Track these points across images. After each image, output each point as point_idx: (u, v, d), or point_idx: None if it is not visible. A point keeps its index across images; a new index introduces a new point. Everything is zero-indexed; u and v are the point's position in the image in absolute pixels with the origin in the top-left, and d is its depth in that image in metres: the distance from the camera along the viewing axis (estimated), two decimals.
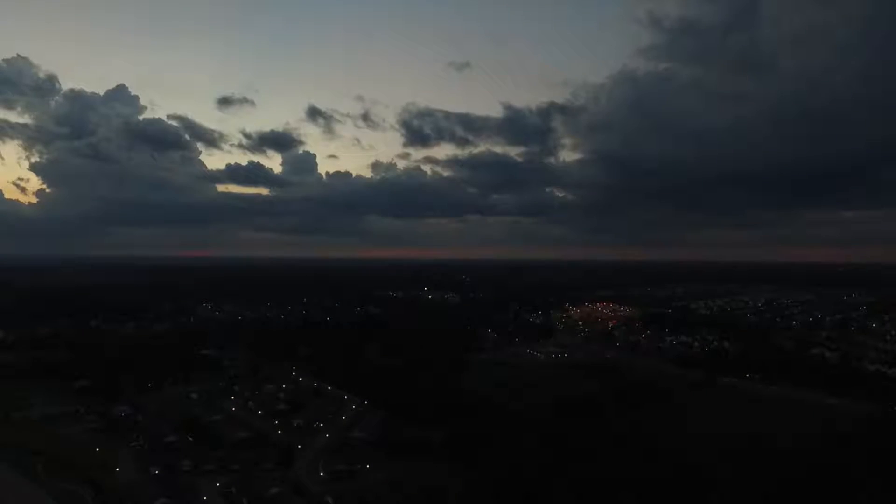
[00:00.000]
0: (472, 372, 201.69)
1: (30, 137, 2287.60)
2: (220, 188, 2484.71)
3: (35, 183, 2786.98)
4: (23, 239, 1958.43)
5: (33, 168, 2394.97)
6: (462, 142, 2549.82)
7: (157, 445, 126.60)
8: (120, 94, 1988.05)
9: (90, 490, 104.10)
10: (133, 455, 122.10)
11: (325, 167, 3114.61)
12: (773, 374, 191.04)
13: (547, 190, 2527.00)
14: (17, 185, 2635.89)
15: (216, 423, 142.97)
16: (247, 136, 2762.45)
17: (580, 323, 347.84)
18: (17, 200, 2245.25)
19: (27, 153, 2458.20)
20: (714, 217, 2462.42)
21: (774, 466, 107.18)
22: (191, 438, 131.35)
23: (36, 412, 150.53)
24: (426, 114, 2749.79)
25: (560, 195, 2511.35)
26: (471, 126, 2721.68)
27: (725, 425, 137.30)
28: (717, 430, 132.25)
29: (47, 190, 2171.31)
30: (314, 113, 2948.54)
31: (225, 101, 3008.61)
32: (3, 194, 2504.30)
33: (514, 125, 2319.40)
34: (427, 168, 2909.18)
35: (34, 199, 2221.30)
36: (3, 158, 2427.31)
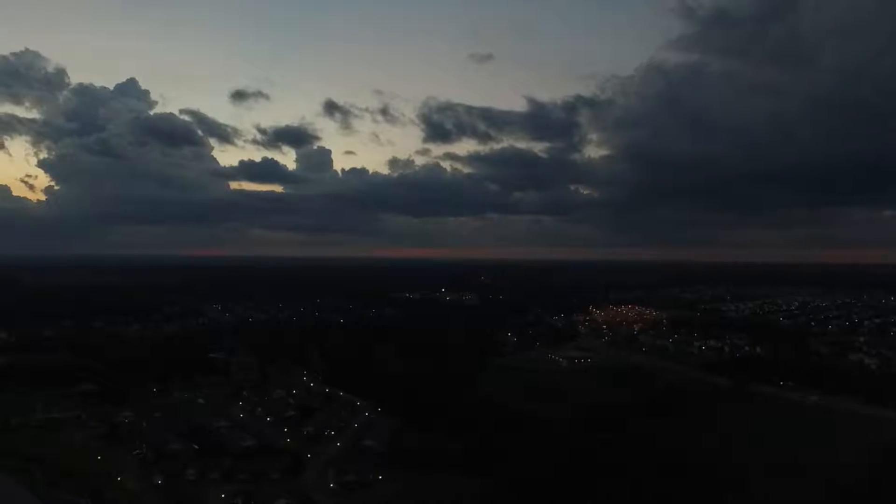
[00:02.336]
0: (492, 377, 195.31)
1: (38, 133, 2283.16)
2: (233, 185, 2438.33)
3: (43, 180, 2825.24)
4: (31, 238, 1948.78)
5: (41, 165, 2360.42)
6: (484, 137, 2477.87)
7: (162, 453, 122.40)
8: (130, 88, 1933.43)
9: (91, 500, 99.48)
10: (136, 463, 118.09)
11: (340, 163, 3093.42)
12: (808, 381, 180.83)
13: (571, 187, 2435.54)
14: (26, 183, 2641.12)
15: (223, 430, 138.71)
16: (261, 131, 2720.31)
17: (604, 326, 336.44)
18: (25, 198, 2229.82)
19: (35, 149, 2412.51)
20: (746, 216, 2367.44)
21: (811, 479, 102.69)
22: (196, 446, 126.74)
23: (36, 417, 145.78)
24: (447, 108, 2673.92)
25: (585, 193, 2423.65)
26: (493, 121, 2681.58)
27: (759, 434, 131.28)
28: (750, 440, 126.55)
29: (56, 187, 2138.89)
30: (331, 107, 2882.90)
31: (239, 95, 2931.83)
32: (10, 192, 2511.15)
33: (538, 120, 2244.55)
34: (447, 164, 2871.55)
35: (42, 197, 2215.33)
36: (10, 155, 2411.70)
